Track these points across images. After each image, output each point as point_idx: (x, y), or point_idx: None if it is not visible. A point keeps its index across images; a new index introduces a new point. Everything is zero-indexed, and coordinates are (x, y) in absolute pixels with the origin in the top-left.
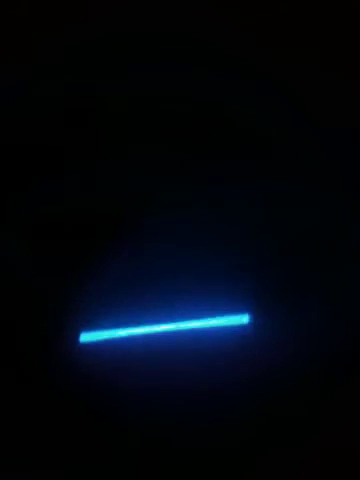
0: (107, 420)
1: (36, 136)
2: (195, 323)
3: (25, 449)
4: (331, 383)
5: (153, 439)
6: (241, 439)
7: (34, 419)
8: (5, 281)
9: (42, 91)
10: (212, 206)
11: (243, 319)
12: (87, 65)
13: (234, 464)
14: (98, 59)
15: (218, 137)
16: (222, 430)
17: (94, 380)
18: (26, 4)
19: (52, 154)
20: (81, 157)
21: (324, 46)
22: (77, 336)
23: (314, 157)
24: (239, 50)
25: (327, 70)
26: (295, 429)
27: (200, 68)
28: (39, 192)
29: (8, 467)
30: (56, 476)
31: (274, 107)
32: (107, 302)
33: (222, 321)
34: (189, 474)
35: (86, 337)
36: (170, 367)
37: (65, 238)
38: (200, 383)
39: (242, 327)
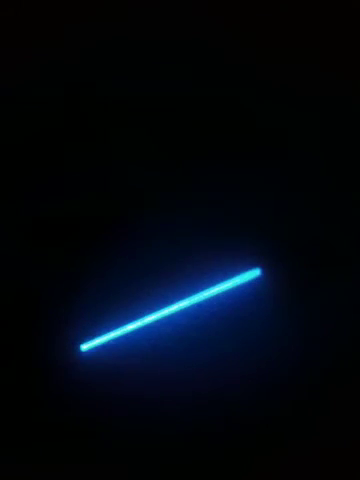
0: (112, 420)
1: (36, 136)
2: (208, 293)
3: (27, 449)
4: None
5: (157, 437)
6: (244, 437)
7: (37, 421)
8: (3, 281)
9: (42, 91)
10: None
11: (255, 273)
12: (87, 65)
13: (235, 464)
14: (98, 59)
15: (218, 137)
16: (229, 428)
17: (107, 379)
18: (26, 4)
19: (52, 154)
20: (81, 157)
21: (324, 46)
22: (79, 343)
23: (314, 157)
24: (239, 50)
25: (327, 70)
26: (296, 427)
27: (200, 68)
28: (39, 192)
29: (14, 466)
30: (57, 477)
31: (274, 107)
32: (110, 299)
33: (235, 281)
34: (189, 474)
35: (88, 343)
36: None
37: (64, 238)
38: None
39: (255, 281)
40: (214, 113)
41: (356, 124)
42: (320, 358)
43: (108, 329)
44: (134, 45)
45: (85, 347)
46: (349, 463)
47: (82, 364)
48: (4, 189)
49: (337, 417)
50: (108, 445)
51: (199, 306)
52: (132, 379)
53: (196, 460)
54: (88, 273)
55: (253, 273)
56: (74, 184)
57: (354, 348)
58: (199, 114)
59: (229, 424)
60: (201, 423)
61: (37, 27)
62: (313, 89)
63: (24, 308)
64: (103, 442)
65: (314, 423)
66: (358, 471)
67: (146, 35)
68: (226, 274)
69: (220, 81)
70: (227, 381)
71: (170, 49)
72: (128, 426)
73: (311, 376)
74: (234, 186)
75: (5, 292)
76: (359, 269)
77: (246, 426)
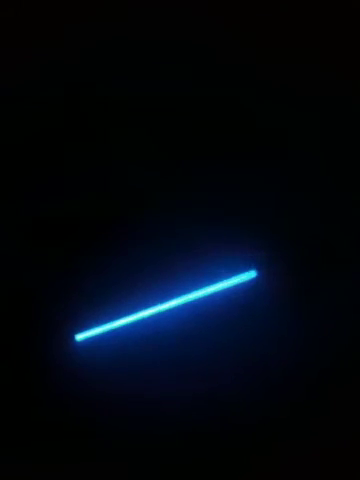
0: (111, 418)
1: (36, 136)
2: (204, 291)
3: (20, 440)
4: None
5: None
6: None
7: (31, 412)
8: (3, 281)
9: (42, 91)
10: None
11: (250, 274)
12: (87, 65)
13: (233, 461)
14: (98, 59)
15: (218, 137)
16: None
17: (103, 373)
18: (26, 4)
19: (52, 154)
20: (81, 157)
21: (324, 46)
22: (73, 334)
23: (314, 157)
24: (239, 50)
25: (327, 70)
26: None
27: (200, 68)
28: (39, 192)
29: (9, 465)
30: (57, 476)
31: (274, 107)
32: (106, 294)
33: (230, 282)
34: (189, 474)
35: (83, 334)
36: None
37: (64, 238)
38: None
39: (250, 283)
40: (214, 113)
41: (356, 124)
42: (317, 360)
43: (104, 321)
44: (134, 45)
45: (80, 337)
46: (348, 463)
47: (77, 354)
48: (4, 189)
49: (336, 417)
50: (103, 437)
51: (195, 304)
52: (126, 371)
53: (193, 454)
54: (87, 272)
55: (249, 275)
56: (74, 184)
57: (352, 349)
58: (199, 114)
59: (227, 422)
60: (197, 419)
61: (37, 27)
62: (313, 89)
63: (21, 301)
64: (98, 434)
65: (313, 423)
66: (358, 471)
67: (146, 35)
68: (222, 274)
69: (220, 81)
70: (223, 381)
71: (170, 49)
72: (124, 419)
73: (307, 377)
74: (234, 186)
75: (4, 290)
76: (359, 269)
77: (245, 425)
